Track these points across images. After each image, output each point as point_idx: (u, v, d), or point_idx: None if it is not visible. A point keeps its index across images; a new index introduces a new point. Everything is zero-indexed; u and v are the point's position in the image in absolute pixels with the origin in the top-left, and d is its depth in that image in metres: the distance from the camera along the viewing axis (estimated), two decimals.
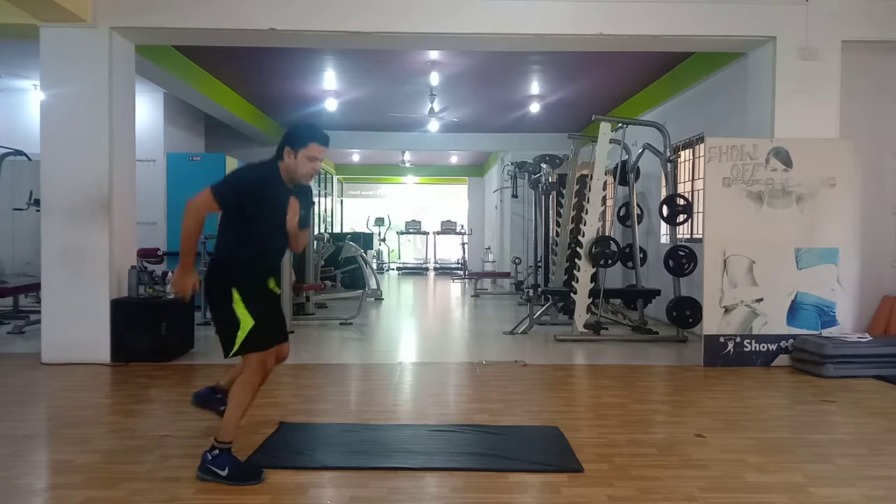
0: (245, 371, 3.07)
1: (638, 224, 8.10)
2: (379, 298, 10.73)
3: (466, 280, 14.72)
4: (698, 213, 7.25)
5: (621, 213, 8.28)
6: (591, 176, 6.91)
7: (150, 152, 8.89)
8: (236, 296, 3.00)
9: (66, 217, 5.44)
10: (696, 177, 7.89)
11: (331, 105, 10.48)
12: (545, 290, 8.30)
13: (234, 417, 3.03)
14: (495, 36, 5.65)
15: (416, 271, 18.60)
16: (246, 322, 3.00)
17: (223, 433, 3.00)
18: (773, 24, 5.58)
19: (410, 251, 21.84)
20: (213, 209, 2.99)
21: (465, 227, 18.73)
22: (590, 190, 6.96)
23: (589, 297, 6.88)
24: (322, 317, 8.48)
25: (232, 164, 9.67)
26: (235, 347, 3.02)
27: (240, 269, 3.05)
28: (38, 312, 5.97)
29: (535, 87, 9.54)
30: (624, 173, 7.94)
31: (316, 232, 10.82)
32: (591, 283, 6.91)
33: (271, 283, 3.20)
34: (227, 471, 2.94)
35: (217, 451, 2.97)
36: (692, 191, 7.85)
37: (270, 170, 3.09)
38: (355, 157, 18.63)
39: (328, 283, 10.10)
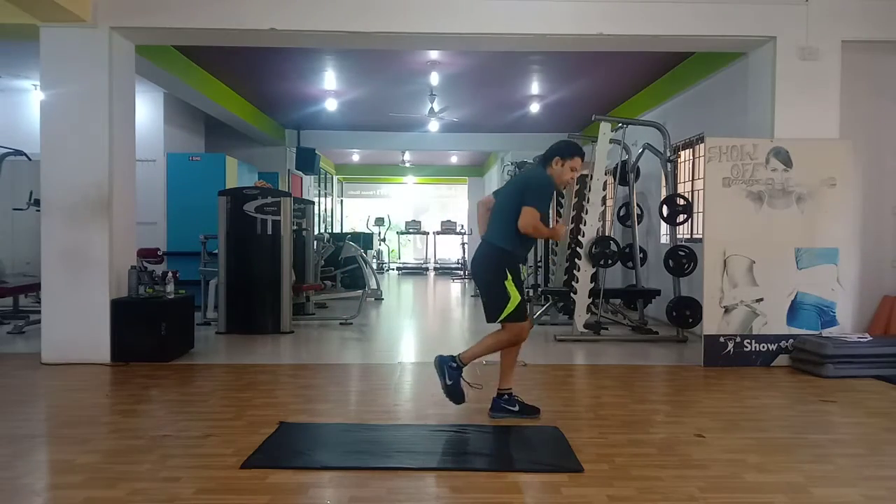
0: (504, 331, 3.86)
1: (638, 224, 8.09)
2: (379, 298, 10.72)
3: (466, 280, 14.71)
4: (698, 213, 7.25)
5: (621, 213, 8.27)
6: (591, 176, 6.91)
7: (150, 152, 8.89)
8: (509, 276, 3.76)
9: (66, 217, 5.44)
10: (696, 177, 7.89)
11: (331, 105, 10.48)
12: (545, 290, 8.30)
13: (484, 352, 3.93)
14: (495, 36, 5.65)
15: (416, 271, 18.59)
16: (515, 298, 3.77)
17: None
18: (773, 24, 5.57)
19: (410, 251, 21.84)
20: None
21: (465, 227, 18.72)
22: (590, 190, 6.96)
23: (589, 297, 6.88)
24: (322, 317, 8.48)
25: (232, 164, 9.69)
26: (503, 315, 3.78)
27: (515, 257, 3.82)
28: (38, 312, 5.97)
29: (534, 87, 9.54)
30: (624, 173, 7.93)
31: (316, 232, 10.82)
32: (591, 283, 6.91)
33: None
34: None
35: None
36: (692, 191, 7.85)
37: (550, 176, 3.84)
38: (355, 157, 18.64)
39: (328, 283, 10.09)
